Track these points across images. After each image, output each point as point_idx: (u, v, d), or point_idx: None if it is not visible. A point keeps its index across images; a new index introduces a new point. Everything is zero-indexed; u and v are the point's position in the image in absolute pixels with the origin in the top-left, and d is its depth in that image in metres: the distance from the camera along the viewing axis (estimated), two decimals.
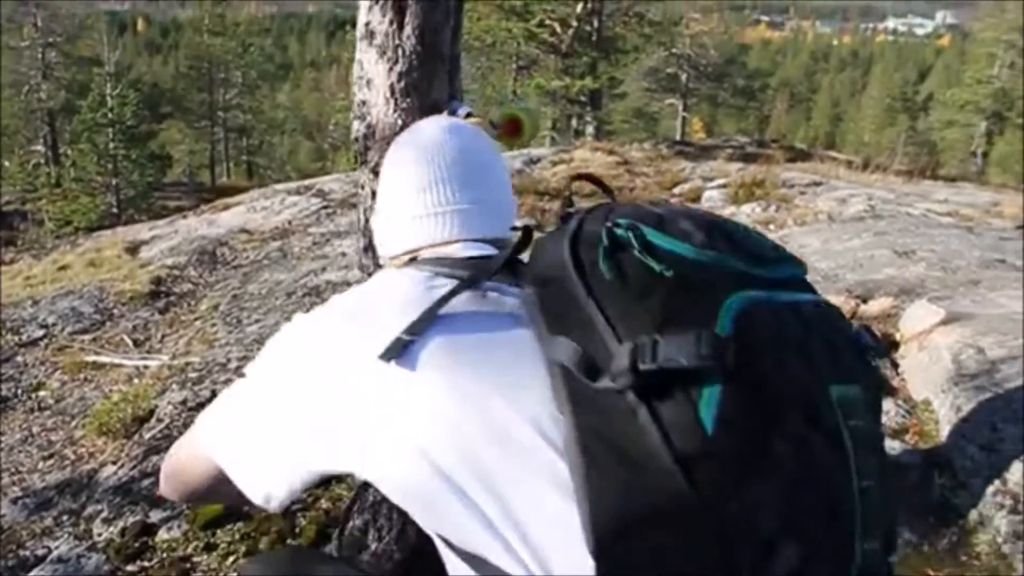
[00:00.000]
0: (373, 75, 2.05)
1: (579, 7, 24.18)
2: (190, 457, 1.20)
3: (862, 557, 0.90)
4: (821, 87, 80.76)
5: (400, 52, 2.03)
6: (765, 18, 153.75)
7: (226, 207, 8.76)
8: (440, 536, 1.02)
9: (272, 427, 1.10)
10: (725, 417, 0.86)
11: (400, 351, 0.99)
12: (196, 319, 5.64)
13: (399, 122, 2.03)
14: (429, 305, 1.04)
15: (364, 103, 2.10)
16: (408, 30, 2.01)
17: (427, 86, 2.04)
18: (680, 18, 30.60)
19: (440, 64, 2.06)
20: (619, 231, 0.97)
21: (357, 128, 2.14)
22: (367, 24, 2.05)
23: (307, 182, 9.84)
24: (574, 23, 24.35)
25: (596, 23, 24.67)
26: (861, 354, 1.01)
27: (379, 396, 1.01)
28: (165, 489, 1.28)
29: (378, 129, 2.08)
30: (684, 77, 34.85)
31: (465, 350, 1.02)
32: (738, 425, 0.86)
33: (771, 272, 1.01)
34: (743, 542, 0.84)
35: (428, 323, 1.02)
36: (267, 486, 1.10)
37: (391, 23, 2.02)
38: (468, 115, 1.74)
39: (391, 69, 2.03)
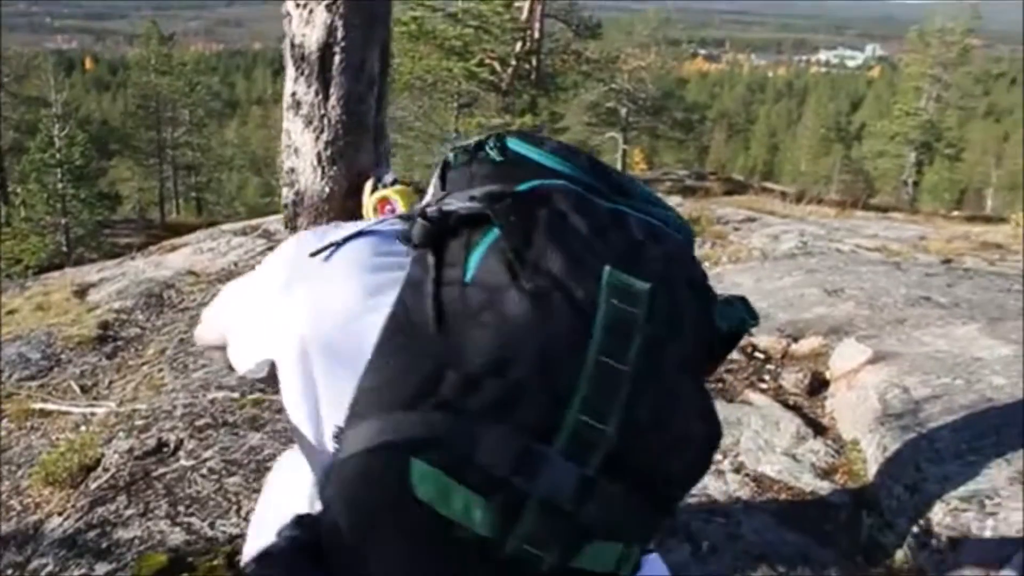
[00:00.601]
0: (300, 144, 2.09)
1: (518, 46, 24.48)
2: (207, 319, 1.33)
3: (575, 428, 0.82)
4: (758, 118, 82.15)
5: (326, 122, 2.06)
6: (702, 51, 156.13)
7: (173, 248, 8.71)
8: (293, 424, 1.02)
9: (241, 311, 1.17)
10: (484, 266, 0.87)
11: (327, 253, 1.02)
12: (143, 364, 5.58)
13: (327, 189, 2.07)
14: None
15: (293, 171, 2.13)
16: (333, 100, 2.05)
17: (353, 154, 2.08)
18: (617, 55, 31.02)
19: (365, 133, 2.10)
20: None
21: (286, 195, 2.17)
22: (293, 95, 2.08)
23: (254, 222, 9.81)
24: (513, 62, 24.61)
25: (535, 61, 24.96)
26: (698, 294, 0.94)
27: (295, 288, 1.02)
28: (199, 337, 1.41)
29: (306, 196, 2.11)
30: (624, 111, 35.34)
31: (378, 256, 1.02)
32: (489, 277, 0.86)
33: (625, 199, 0.98)
34: (454, 371, 0.82)
35: (357, 233, 1.04)
36: (236, 360, 1.17)
37: (316, 94, 2.05)
38: (394, 182, 1.77)
39: (317, 138, 2.06)
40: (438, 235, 0.90)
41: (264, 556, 0.86)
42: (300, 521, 0.88)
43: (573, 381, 0.82)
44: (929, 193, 42.39)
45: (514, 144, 1.01)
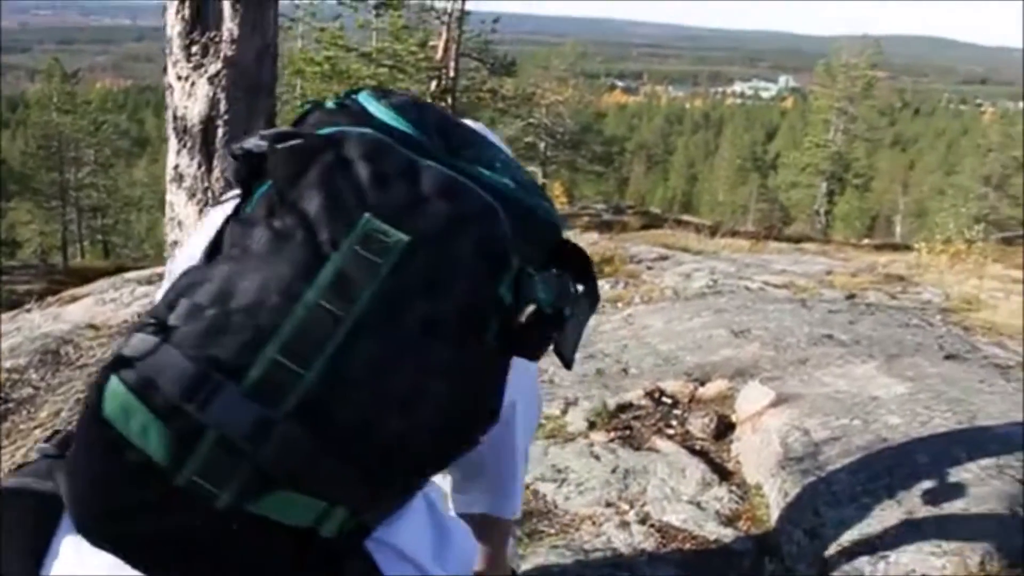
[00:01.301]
0: (183, 217, 2.06)
1: (433, 85, 24.58)
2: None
3: (266, 368, 0.81)
4: (676, 149, 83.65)
5: (209, 194, 2.05)
6: (620, 84, 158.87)
7: (73, 299, 8.46)
8: None
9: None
10: (257, 203, 0.88)
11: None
12: (36, 427, 5.40)
13: None
14: None
15: (176, 243, 2.11)
16: (216, 173, 2.04)
17: None
18: (533, 92, 31.35)
19: None
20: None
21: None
22: (176, 167, 2.06)
23: (160, 269, 9.62)
24: (429, 101, 24.72)
25: (451, 100, 25.08)
26: (489, 262, 0.88)
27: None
28: None
29: None
30: (542, 145, 35.67)
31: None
32: (253, 213, 0.88)
33: (452, 159, 0.95)
34: (187, 299, 0.84)
35: None
36: None
37: (199, 166, 2.04)
38: None
39: (201, 211, 2.04)
40: (245, 174, 0.90)
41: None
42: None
43: (277, 320, 0.81)
44: (842, 221, 43.55)
45: (362, 96, 1.00)
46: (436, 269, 0.85)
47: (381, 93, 1.01)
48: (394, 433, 0.84)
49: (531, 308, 0.91)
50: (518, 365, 1.00)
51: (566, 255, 1.00)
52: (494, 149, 1.02)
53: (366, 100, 1.00)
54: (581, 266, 1.00)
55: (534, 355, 0.96)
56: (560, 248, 1.00)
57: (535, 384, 1.40)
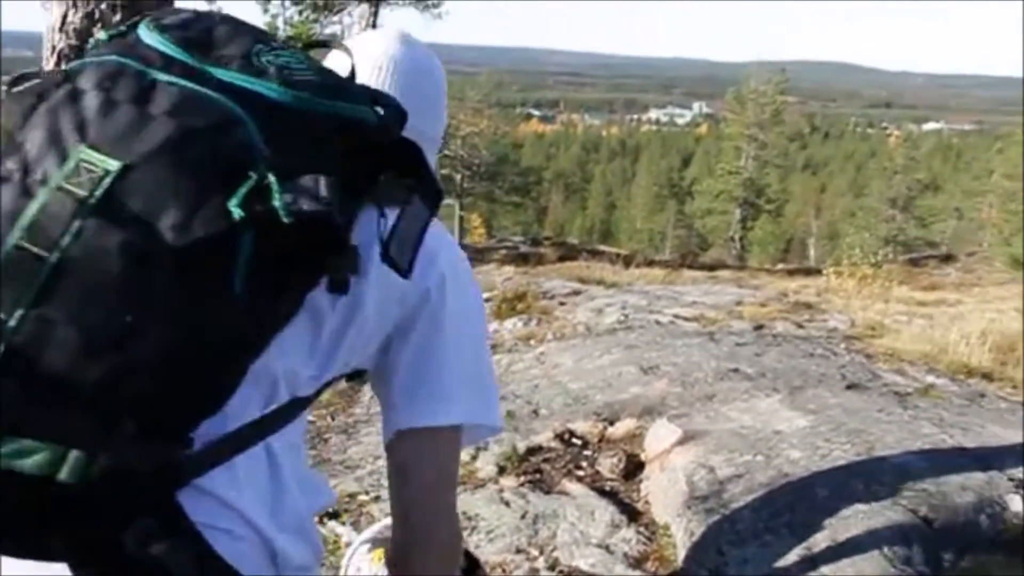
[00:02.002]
0: None
1: None
2: None
3: (19, 322, 0.80)
4: (594, 177, 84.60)
5: None
6: (537, 112, 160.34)
7: None
8: None
9: None
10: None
11: None
12: None
13: None
14: None
15: None
16: None
17: None
18: (448, 124, 31.45)
19: None
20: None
21: None
22: None
23: None
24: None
25: None
26: (222, 176, 0.85)
27: None
28: None
29: None
30: (459, 177, 35.81)
31: None
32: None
33: (199, 62, 0.92)
34: None
35: None
36: None
37: None
38: None
39: None
40: None
41: None
42: None
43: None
44: (757, 246, 44.48)
45: (141, 24, 0.97)
46: (151, 196, 0.82)
47: (158, 16, 0.98)
48: (107, 372, 0.81)
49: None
50: (434, 244, 1.11)
51: (388, 154, 1.01)
52: (270, 53, 0.96)
53: (143, 26, 0.97)
54: (408, 164, 1.03)
55: (312, 271, 0.95)
56: (384, 148, 1.01)
57: (461, 270, 1.23)
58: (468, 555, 1.54)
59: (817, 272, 16.78)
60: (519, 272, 11.95)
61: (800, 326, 7.05)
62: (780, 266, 24.12)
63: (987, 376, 6.32)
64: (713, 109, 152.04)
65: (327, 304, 1.05)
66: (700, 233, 49.03)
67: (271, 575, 1.05)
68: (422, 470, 1.18)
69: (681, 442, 4.18)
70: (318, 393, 1.14)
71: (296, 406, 1.09)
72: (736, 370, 5.20)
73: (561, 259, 16.34)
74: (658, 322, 6.72)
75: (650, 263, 16.53)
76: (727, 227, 42.14)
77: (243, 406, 1.00)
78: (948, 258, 24.61)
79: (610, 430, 4.56)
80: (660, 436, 4.34)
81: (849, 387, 4.99)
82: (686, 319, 6.93)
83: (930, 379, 5.57)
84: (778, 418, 4.32)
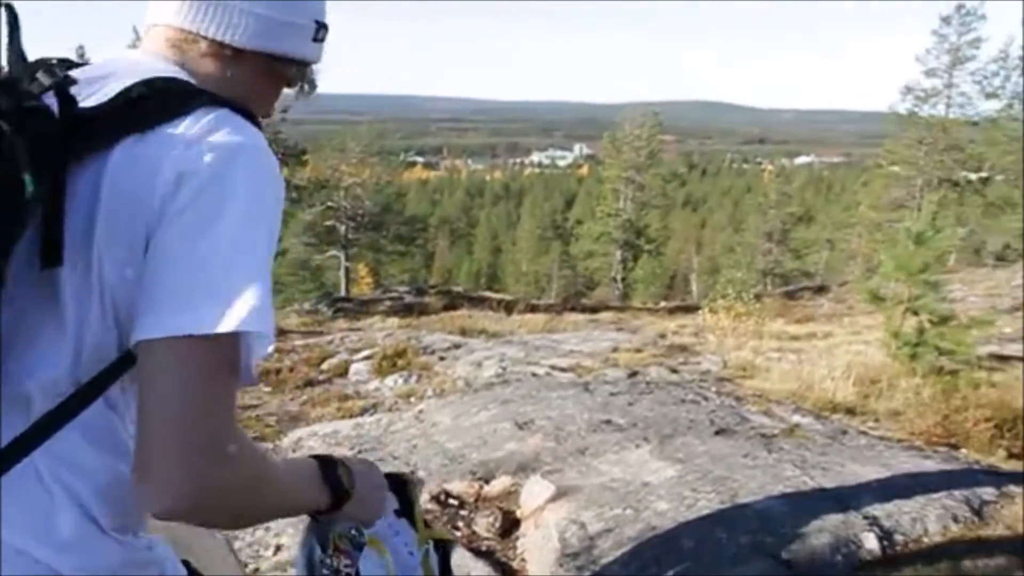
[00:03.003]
0: None
1: None
2: None
3: None
4: (479, 221, 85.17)
5: None
6: (420, 159, 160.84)
7: None
8: None
9: None
10: None
11: None
12: None
13: None
14: None
15: None
16: None
17: None
18: (327, 180, 31.29)
19: None
20: None
21: None
22: None
23: None
24: None
25: None
26: None
27: None
28: None
29: None
30: (343, 228, 35.56)
31: None
32: None
33: None
34: None
35: None
36: None
37: None
38: None
39: None
40: None
41: None
42: None
43: None
44: (641, 284, 45.29)
45: None
46: None
47: None
48: None
49: None
50: (161, 144, 1.08)
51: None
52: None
53: None
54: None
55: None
56: None
57: (211, 160, 1.11)
58: (394, 476, 1.56)
59: (697, 309, 17.16)
60: (403, 325, 11.93)
61: (674, 371, 7.23)
62: (662, 304, 24.60)
63: (851, 411, 6.58)
64: (593, 150, 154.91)
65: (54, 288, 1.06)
66: (585, 273, 49.75)
67: None
68: (143, 391, 1.04)
69: (554, 498, 4.23)
70: (99, 382, 1.10)
71: (58, 417, 1.07)
72: (608, 421, 5.29)
73: (446, 308, 16.35)
74: (535, 374, 6.79)
75: (532, 308, 16.65)
76: (609, 268, 42.89)
77: None
78: (822, 289, 25.47)
79: (486, 489, 4.58)
80: (534, 493, 4.38)
81: (717, 432, 5.13)
82: (562, 370, 7.03)
83: (796, 418, 5.77)
84: (647, 469, 4.41)
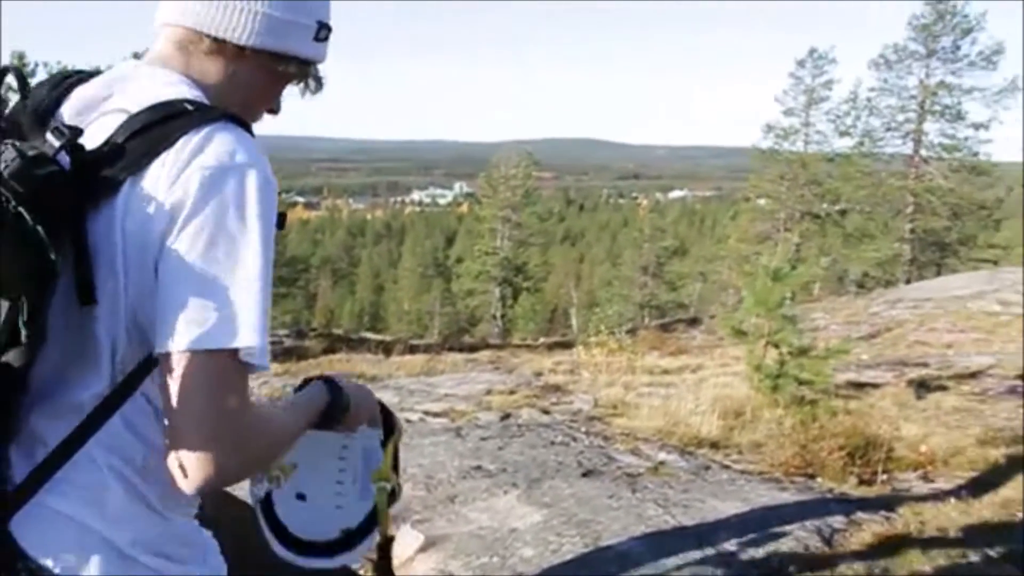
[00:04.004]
0: None
1: None
2: None
3: None
4: (361, 261, 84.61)
5: None
6: (301, 199, 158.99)
7: None
8: None
9: None
10: None
11: None
12: None
13: None
14: None
15: None
16: None
17: None
18: None
19: None
20: None
21: None
22: None
23: None
24: None
25: None
26: None
27: None
28: None
29: None
30: None
31: None
32: None
33: None
34: None
35: None
36: None
37: None
38: None
39: None
40: None
41: None
42: None
43: None
44: (521, 319, 45.66)
45: None
46: None
47: None
48: None
49: None
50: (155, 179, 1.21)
51: None
52: None
53: None
54: None
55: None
56: None
57: (205, 185, 1.22)
58: (384, 407, 1.75)
59: (574, 344, 17.39)
60: (279, 372, 11.75)
61: (546, 411, 7.33)
62: (541, 340, 24.81)
63: (715, 445, 6.79)
64: (473, 188, 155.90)
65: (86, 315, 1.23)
66: (466, 310, 49.86)
67: (119, 563, 1.27)
68: (165, 396, 1.21)
69: (423, 548, 4.26)
70: (130, 383, 1.26)
71: (98, 416, 1.25)
72: (479, 467, 5.35)
73: (326, 351, 16.16)
74: (408, 420, 6.80)
75: (411, 349, 16.63)
76: (489, 306, 43.19)
77: (52, 436, 1.24)
78: (694, 321, 26.10)
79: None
80: (404, 543, 4.39)
81: (585, 474, 5.25)
82: (436, 415, 7.06)
83: (662, 456, 5.94)
84: (515, 515, 4.49)
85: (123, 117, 1.25)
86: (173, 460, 1.21)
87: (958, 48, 35.37)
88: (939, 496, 5.51)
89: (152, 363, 1.23)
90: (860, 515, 4.79)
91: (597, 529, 4.22)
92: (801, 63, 38.61)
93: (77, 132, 1.21)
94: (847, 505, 5.04)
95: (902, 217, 36.32)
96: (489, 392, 8.15)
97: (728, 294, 37.25)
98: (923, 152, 36.05)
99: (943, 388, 9.96)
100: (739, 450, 6.82)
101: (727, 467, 5.98)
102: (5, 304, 1.10)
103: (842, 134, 37.91)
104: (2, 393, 1.17)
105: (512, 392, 8.21)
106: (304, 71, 1.45)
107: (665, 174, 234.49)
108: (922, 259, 37.10)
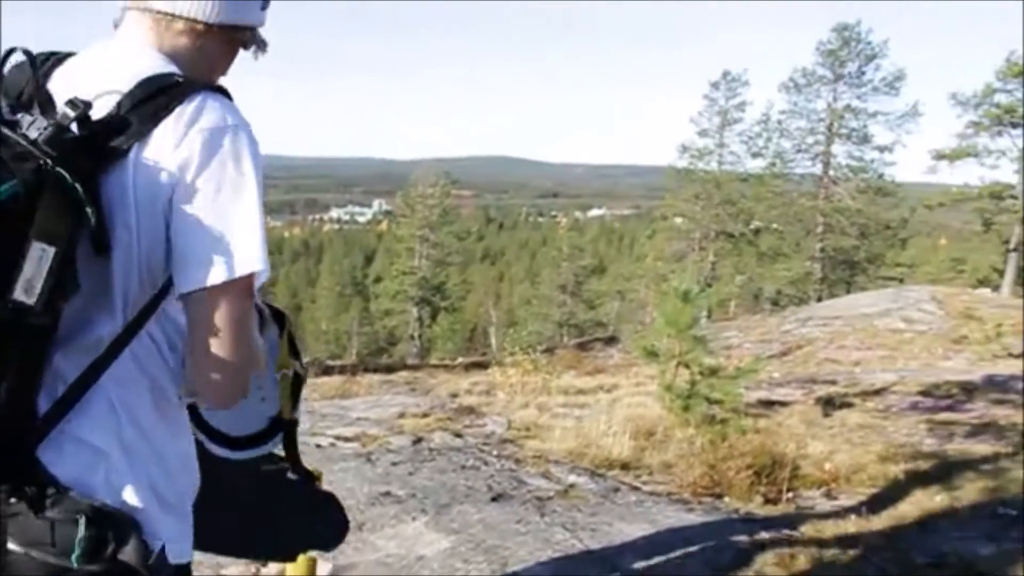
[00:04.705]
0: None
1: None
2: None
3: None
4: (278, 279, 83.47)
5: None
6: None
7: None
8: None
9: None
10: None
11: None
12: None
13: None
14: None
15: None
16: None
17: None
18: None
19: None
20: None
21: None
22: None
23: None
24: None
25: None
26: None
27: None
28: None
29: None
30: None
31: None
32: None
33: None
34: None
35: None
36: None
37: None
38: None
39: None
40: None
41: None
42: None
43: None
44: (440, 339, 45.57)
45: None
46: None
47: None
48: None
49: None
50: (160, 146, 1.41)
51: None
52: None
53: None
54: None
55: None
56: None
57: (207, 147, 1.44)
58: (274, 308, 1.96)
59: (496, 364, 17.42)
60: None
61: (458, 435, 7.31)
62: (460, 360, 24.82)
63: (626, 466, 6.85)
64: (392, 206, 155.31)
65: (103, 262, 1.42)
66: (384, 330, 49.57)
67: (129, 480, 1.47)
68: (191, 329, 1.46)
69: None
70: (138, 323, 1.47)
71: (110, 353, 1.45)
72: (388, 493, 5.31)
73: None
74: (319, 446, 6.73)
75: (327, 371, 16.47)
76: (407, 325, 43.05)
77: (71, 373, 1.43)
78: (612, 339, 26.39)
79: (264, 571, 4.51)
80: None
81: (494, 499, 5.25)
82: (347, 439, 6.99)
83: (572, 478, 5.97)
84: (422, 542, 4.46)
85: (116, 96, 1.43)
86: (201, 382, 1.49)
87: (863, 73, 36.66)
88: (840, 513, 5.65)
89: (155, 304, 1.48)
90: (763, 535, 4.88)
91: (504, 555, 4.23)
92: (715, 85, 39.49)
93: (88, 106, 1.36)
94: (752, 525, 5.13)
95: (813, 236, 37.35)
96: (402, 415, 8.10)
97: (646, 312, 37.66)
98: (832, 173, 37.17)
99: (849, 405, 10.24)
100: (649, 471, 6.89)
101: (636, 489, 6.03)
102: (51, 253, 1.27)
103: (754, 155, 38.92)
104: (47, 335, 1.36)
105: (425, 415, 8.17)
106: (253, 36, 1.69)
107: (584, 192, 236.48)
108: (833, 277, 38.14)
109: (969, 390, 10.60)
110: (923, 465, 7.28)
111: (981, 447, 7.92)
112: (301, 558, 2.43)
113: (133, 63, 1.49)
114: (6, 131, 1.29)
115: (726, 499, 6.10)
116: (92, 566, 1.40)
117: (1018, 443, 7.98)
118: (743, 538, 4.75)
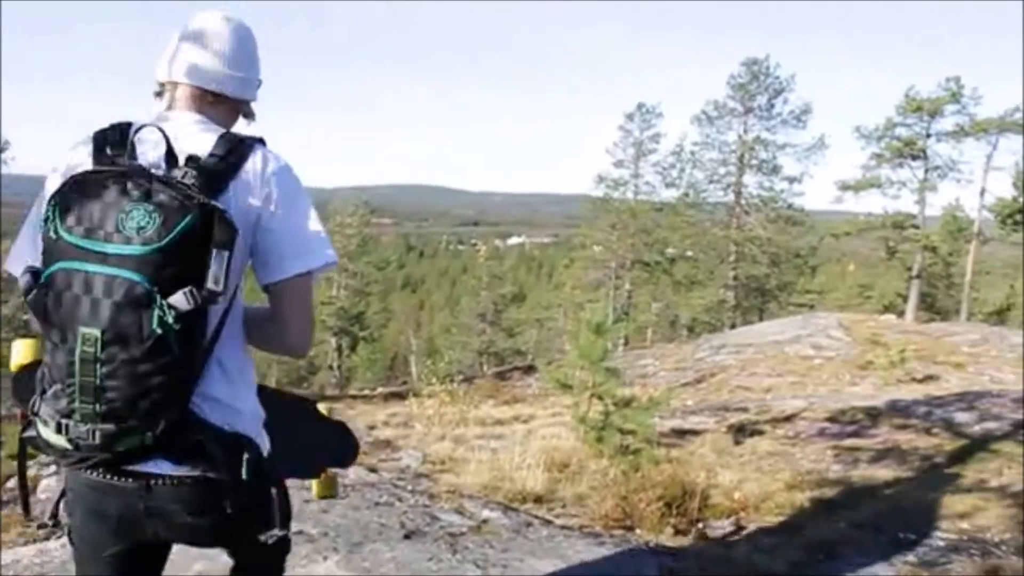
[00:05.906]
0: None
1: None
2: None
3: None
4: None
5: None
6: None
7: None
8: None
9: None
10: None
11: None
12: None
13: None
14: None
15: None
16: None
17: None
18: None
19: None
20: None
21: None
22: None
23: None
24: None
25: None
26: (120, 308, 1.72)
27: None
28: None
29: None
30: None
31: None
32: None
33: (99, 247, 1.74)
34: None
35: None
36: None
37: None
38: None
39: None
40: None
41: None
42: None
43: (71, 377, 1.76)
44: (360, 368, 45.15)
45: (55, 224, 1.81)
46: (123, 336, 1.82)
47: (64, 210, 1.84)
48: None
49: None
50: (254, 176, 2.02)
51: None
52: (129, 218, 1.84)
53: (60, 228, 1.83)
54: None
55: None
56: None
57: (283, 180, 2.08)
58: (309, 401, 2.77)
59: (413, 394, 17.32)
60: None
61: (373, 469, 7.29)
62: (379, 390, 24.60)
63: (539, 500, 6.91)
64: None
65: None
66: (304, 359, 48.88)
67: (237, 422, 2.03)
68: (284, 303, 2.05)
69: None
70: (235, 301, 2.03)
71: (221, 324, 1.98)
72: (300, 532, 5.27)
73: None
74: None
75: None
76: (327, 355, 42.61)
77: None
78: (530, 368, 26.45)
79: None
80: None
81: (407, 536, 5.24)
82: None
83: (485, 513, 6.00)
84: None
85: (206, 150, 1.97)
86: (290, 340, 2.08)
87: (772, 107, 37.69)
88: (748, 542, 5.78)
89: (237, 289, 2.01)
90: (672, 566, 4.98)
91: None
92: (630, 117, 40.13)
93: (198, 159, 1.92)
94: (661, 557, 5.22)
95: (726, 264, 38.10)
96: None
97: (564, 341, 37.94)
98: (743, 203, 38.02)
99: (760, 432, 10.46)
100: (563, 504, 6.97)
101: (549, 523, 6.08)
102: (225, 255, 1.79)
103: (668, 185, 39.62)
104: (228, 311, 1.98)
105: None
106: (248, 107, 2.27)
107: (504, 220, 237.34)
108: (746, 304, 38.93)
109: (874, 415, 10.92)
110: (829, 492, 7.49)
111: (884, 472, 8.17)
112: (323, 475, 2.84)
113: (192, 127, 2.05)
114: (177, 181, 1.82)
115: (637, 531, 6.19)
116: (251, 479, 1.97)
117: (918, 467, 8.26)
118: (652, 572, 4.84)
